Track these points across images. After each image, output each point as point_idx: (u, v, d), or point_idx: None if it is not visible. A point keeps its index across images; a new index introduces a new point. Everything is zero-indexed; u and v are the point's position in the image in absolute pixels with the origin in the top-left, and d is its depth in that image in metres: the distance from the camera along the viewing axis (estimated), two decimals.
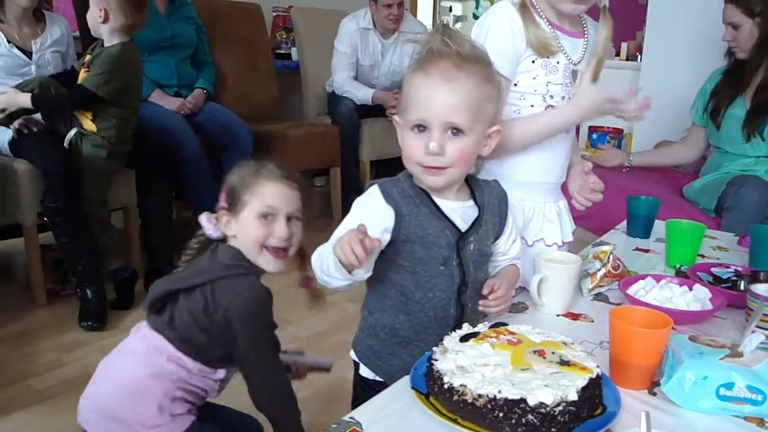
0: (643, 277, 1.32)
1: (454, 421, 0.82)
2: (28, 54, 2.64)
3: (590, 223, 2.16)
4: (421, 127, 1.06)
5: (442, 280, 1.10)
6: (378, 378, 1.18)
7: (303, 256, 1.24)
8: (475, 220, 1.12)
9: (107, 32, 2.43)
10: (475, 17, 7.69)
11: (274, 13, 4.60)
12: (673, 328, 0.96)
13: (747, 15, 2.33)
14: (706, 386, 0.90)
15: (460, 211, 1.12)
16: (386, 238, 1.06)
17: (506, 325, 1.00)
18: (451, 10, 8.21)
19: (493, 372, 0.85)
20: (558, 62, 1.36)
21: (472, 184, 1.16)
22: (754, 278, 1.32)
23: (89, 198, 2.45)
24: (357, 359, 1.22)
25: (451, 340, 0.95)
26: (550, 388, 0.80)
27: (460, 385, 0.82)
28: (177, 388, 1.15)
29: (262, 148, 3.31)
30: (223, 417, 1.31)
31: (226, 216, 1.19)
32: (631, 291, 1.26)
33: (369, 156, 3.85)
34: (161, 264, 2.62)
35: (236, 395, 1.23)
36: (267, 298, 1.15)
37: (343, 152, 3.71)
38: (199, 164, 2.90)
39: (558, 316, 1.23)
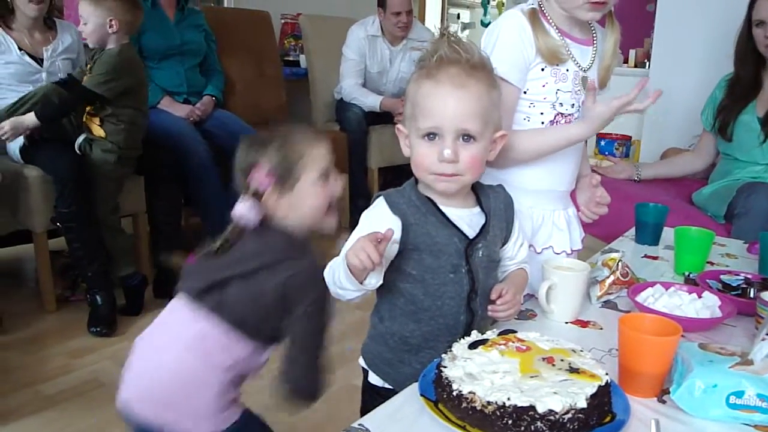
0: (652, 285, 1.31)
1: (463, 429, 0.82)
2: (39, 61, 2.67)
3: (599, 230, 2.14)
4: (432, 135, 1.06)
5: (451, 288, 1.10)
6: (387, 385, 1.18)
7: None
8: (483, 226, 1.12)
9: (114, 39, 2.45)
10: (483, 24, 7.70)
11: (283, 21, 4.61)
12: (682, 336, 0.95)
13: None
14: (715, 394, 0.89)
15: (467, 218, 1.12)
16: (395, 248, 1.06)
17: (515, 332, 1.00)
18: (459, 17, 8.23)
19: (502, 379, 0.85)
20: (567, 70, 1.36)
21: (477, 191, 1.16)
22: (764, 285, 1.31)
23: (101, 203, 2.47)
24: (366, 366, 1.22)
25: (460, 347, 0.95)
26: (559, 396, 0.80)
27: (469, 392, 0.82)
28: (228, 373, 1.13)
29: None
30: None
31: (275, 195, 1.14)
32: (640, 298, 1.25)
33: (377, 163, 3.85)
34: (170, 271, 2.62)
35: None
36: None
37: (351, 159, 3.71)
38: (208, 171, 2.91)
39: (567, 323, 1.23)
